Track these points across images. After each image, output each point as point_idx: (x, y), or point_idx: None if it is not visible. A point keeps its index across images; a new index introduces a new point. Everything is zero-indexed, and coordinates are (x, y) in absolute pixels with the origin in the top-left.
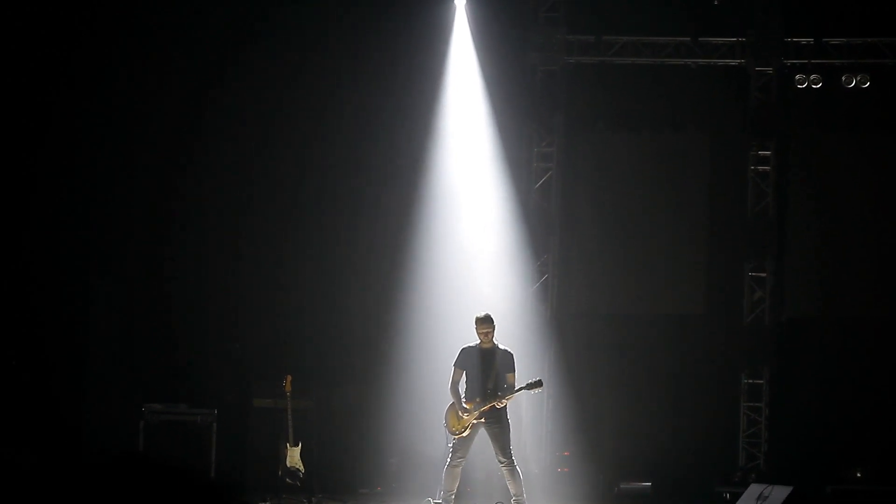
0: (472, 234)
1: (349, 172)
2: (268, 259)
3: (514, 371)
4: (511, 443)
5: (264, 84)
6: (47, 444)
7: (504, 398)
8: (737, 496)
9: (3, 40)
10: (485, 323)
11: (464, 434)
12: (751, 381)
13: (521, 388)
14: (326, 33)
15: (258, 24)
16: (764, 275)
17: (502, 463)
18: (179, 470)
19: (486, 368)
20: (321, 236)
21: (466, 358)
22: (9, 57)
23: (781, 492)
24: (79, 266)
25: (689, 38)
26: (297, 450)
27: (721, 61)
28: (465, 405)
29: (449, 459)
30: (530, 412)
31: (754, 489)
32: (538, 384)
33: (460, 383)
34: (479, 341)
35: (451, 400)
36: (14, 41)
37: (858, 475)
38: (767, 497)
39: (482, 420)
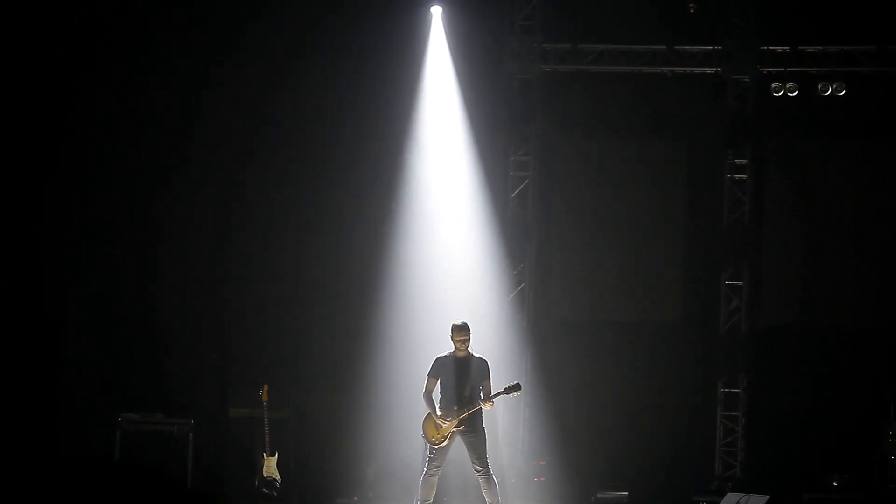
0: (449, 243)
1: (326, 181)
2: (245, 269)
3: (490, 379)
4: (487, 451)
5: (245, 91)
6: (22, 453)
7: (486, 401)
8: None
9: None
10: (461, 331)
11: (443, 444)
12: (727, 389)
13: (499, 393)
14: (304, 43)
15: (237, 35)
16: (740, 283)
17: (478, 471)
18: (159, 475)
19: (462, 377)
20: (298, 247)
21: (441, 367)
22: None
23: (758, 500)
24: (56, 273)
25: (665, 47)
26: (274, 459)
27: (697, 69)
28: (439, 413)
29: (426, 469)
30: (506, 421)
31: (731, 498)
32: (517, 387)
33: (434, 393)
34: (452, 350)
35: (427, 410)
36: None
37: (835, 483)
38: None
39: (460, 428)
